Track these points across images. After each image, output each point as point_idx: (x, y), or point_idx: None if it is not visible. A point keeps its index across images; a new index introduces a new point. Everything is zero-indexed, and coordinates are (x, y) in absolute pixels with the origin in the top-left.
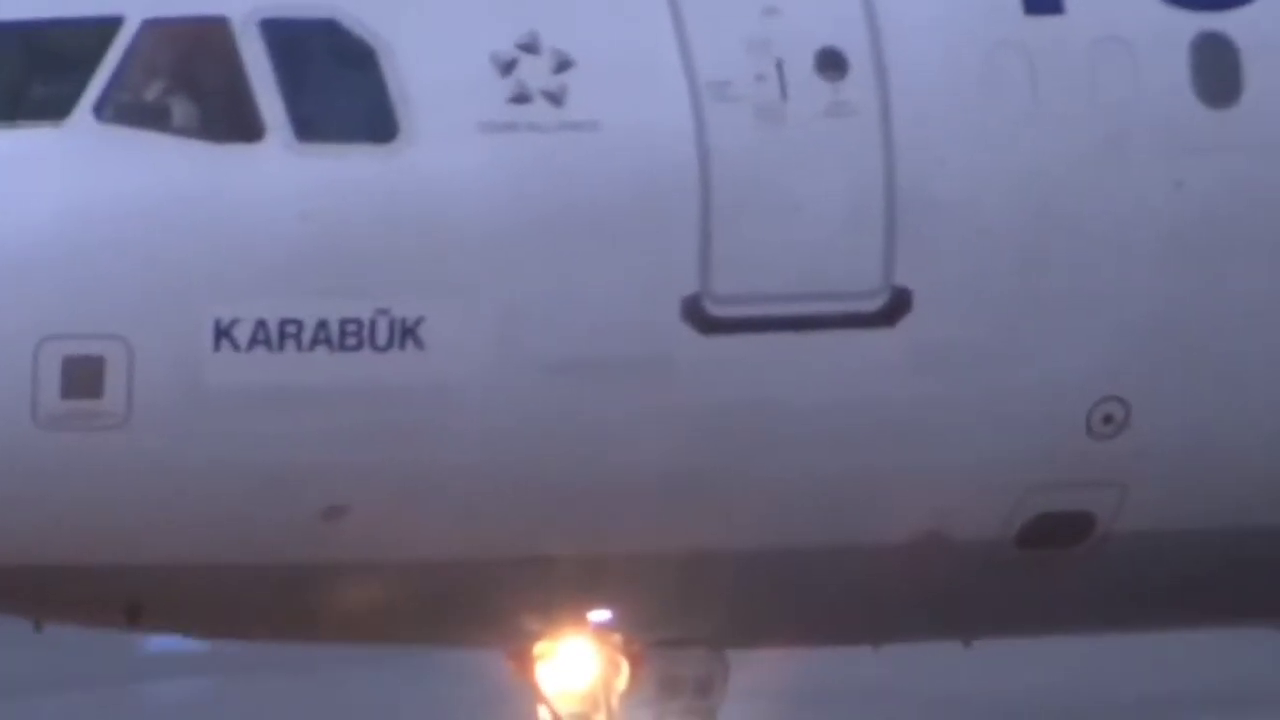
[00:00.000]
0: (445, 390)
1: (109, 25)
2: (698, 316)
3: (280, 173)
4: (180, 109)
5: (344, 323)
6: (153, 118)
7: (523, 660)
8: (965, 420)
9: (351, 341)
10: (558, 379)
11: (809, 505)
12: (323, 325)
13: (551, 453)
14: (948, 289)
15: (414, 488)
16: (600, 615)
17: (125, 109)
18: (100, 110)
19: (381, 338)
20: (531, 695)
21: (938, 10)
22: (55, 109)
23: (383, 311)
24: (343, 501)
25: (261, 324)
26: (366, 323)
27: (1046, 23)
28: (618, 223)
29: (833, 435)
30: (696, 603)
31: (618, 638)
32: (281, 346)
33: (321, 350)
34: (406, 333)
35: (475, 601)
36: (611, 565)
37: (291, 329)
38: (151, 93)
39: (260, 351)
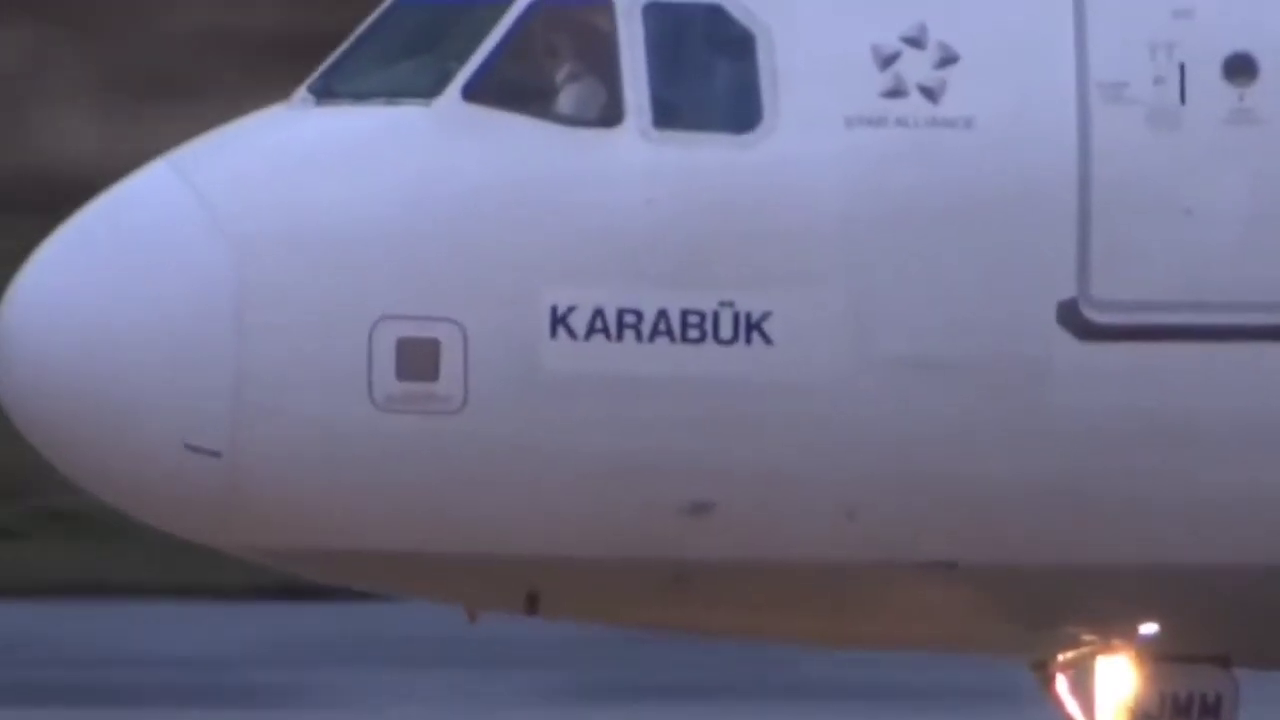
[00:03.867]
0: (797, 387)
1: (500, 6)
2: (1075, 322)
3: (630, 159)
4: (547, 91)
5: (685, 314)
6: (518, 100)
7: (1044, 672)
8: None
9: (694, 334)
10: (916, 380)
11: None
12: (663, 315)
13: (923, 456)
14: None
15: (779, 486)
16: (1145, 629)
17: (493, 89)
18: (469, 90)
19: (726, 331)
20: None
21: None
22: (430, 88)
23: (726, 304)
24: (707, 497)
25: (599, 312)
26: (710, 315)
27: None
28: (985, 222)
29: (1252, 451)
30: (1201, 619)
31: (1128, 652)
32: (620, 336)
33: (662, 341)
34: (752, 327)
35: (867, 606)
36: (1064, 576)
37: (630, 319)
38: (522, 74)
39: (599, 340)
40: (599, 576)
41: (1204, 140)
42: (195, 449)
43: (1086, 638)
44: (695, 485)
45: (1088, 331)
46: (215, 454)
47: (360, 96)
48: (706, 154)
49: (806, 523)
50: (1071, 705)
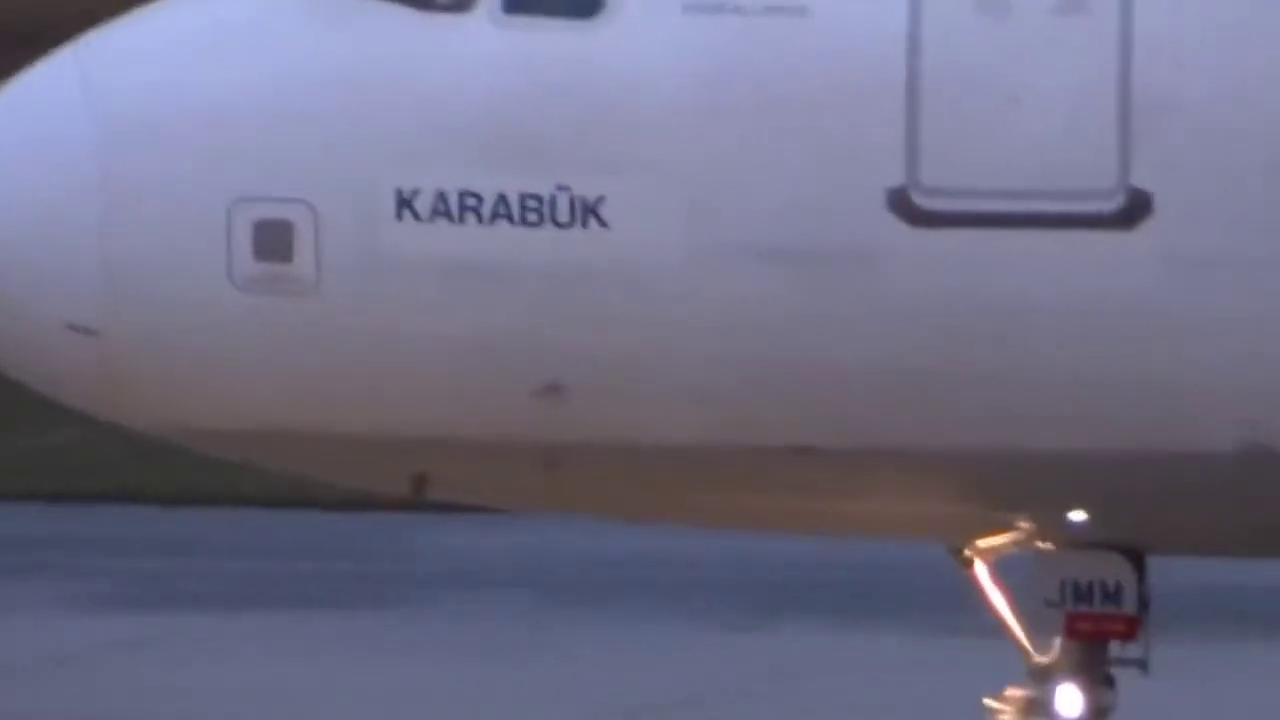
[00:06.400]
0: (634, 272)
1: None
2: (905, 208)
3: (475, 44)
4: None
5: (524, 197)
6: None
7: (960, 557)
8: (1243, 327)
9: (532, 217)
10: (753, 266)
11: (1104, 406)
12: (502, 199)
13: (759, 342)
14: (1192, 193)
15: (625, 370)
16: (1074, 516)
17: None
18: None
19: (563, 214)
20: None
21: None
22: None
23: (563, 188)
24: (558, 379)
25: (441, 195)
26: (547, 198)
27: None
28: (817, 110)
29: (1088, 336)
30: (1082, 506)
31: (1034, 539)
32: (462, 219)
33: (503, 224)
34: (588, 211)
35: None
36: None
37: (472, 201)
38: None
39: (442, 223)
40: (477, 458)
41: (1033, 28)
42: (74, 328)
43: (975, 523)
44: (545, 367)
45: (917, 218)
46: (92, 333)
47: None
48: (549, 39)
49: (658, 406)
50: (991, 591)
